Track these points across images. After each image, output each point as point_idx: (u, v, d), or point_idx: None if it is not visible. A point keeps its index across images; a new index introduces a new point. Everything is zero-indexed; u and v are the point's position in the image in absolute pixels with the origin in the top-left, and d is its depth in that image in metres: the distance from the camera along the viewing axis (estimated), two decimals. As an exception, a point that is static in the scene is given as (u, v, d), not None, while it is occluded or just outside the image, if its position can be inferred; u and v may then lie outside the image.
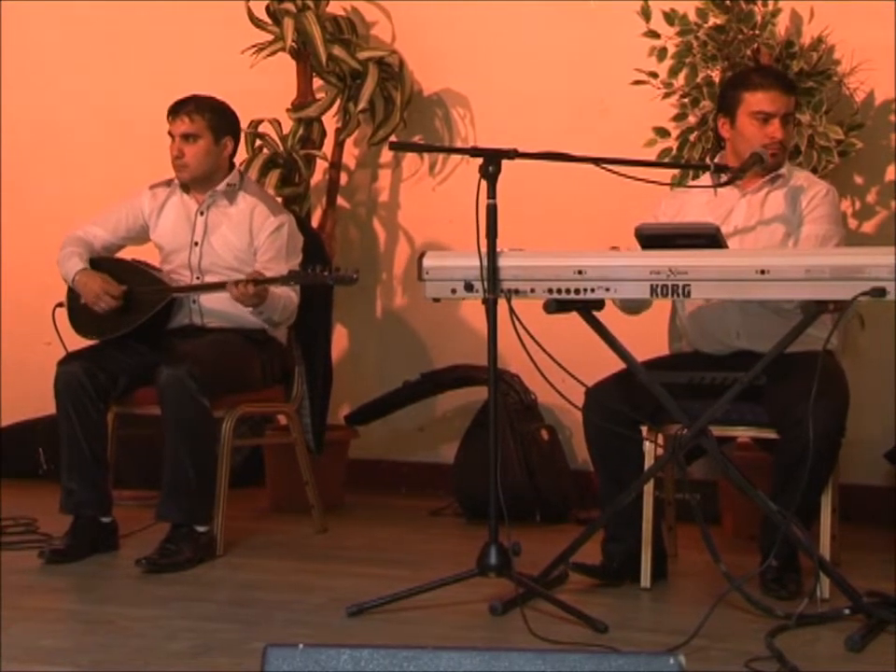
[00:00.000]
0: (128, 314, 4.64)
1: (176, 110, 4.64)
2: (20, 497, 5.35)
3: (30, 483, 5.70)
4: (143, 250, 4.89)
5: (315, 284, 4.50)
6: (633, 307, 4.17)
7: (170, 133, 4.65)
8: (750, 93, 4.09)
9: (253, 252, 4.66)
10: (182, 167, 4.65)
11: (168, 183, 4.79)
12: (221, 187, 4.69)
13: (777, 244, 4.08)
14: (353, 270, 4.39)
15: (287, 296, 4.58)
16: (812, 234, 4.06)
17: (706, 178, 4.26)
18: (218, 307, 4.67)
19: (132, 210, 4.79)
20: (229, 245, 4.68)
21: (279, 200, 5.10)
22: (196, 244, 4.70)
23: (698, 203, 4.19)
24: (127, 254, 4.87)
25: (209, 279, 4.67)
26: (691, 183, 4.57)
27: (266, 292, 4.45)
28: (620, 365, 3.95)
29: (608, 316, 3.88)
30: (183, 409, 4.34)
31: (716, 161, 4.25)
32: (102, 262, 4.73)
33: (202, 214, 4.71)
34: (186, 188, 4.74)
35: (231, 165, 4.75)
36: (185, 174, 4.66)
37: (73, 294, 4.72)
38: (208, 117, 4.63)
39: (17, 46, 6.10)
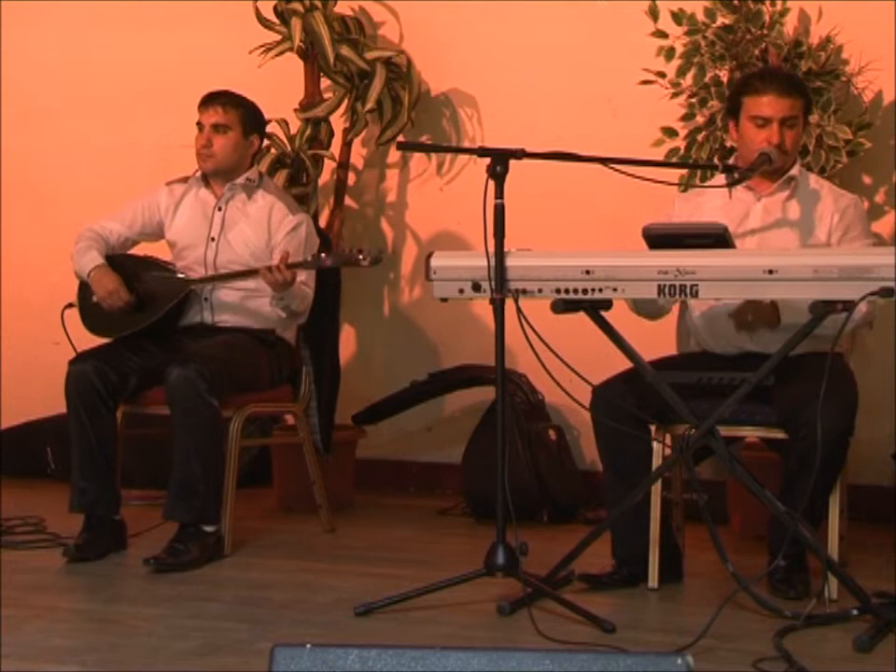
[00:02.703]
0: (142, 310, 4.64)
1: (210, 100, 4.68)
2: (27, 496, 5.36)
3: (38, 482, 5.70)
4: (155, 248, 4.90)
5: (343, 265, 4.48)
6: (651, 311, 4.16)
7: (199, 123, 4.67)
8: (750, 97, 4.10)
9: (270, 250, 4.67)
10: (208, 156, 4.66)
11: (184, 180, 4.80)
12: (241, 180, 4.71)
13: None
14: (377, 249, 4.40)
15: (304, 288, 4.60)
16: None
17: (718, 179, 4.25)
18: (230, 306, 4.68)
19: (148, 206, 4.81)
20: (246, 242, 4.69)
21: (287, 199, 5.11)
22: (213, 239, 4.71)
23: (713, 206, 4.18)
24: (139, 252, 4.88)
25: (223, 276, 4.69)
26: (702, 184, 4.56)
27: (295, 275, 4.46)
28: (628, 365, 3.94)
29: (615, 316, 3.87)
30: (192, 409, 4.34)
31: (730, 161, 4.25)
32: (116, 258, 4.74)
33: (219, 209, 4.73)
34: (205, 181, 4.75)
35: (252, 164, 4.78)
36: (209, 163, 4.68)
37: (83, 293, 4.73)
38: (241, 111, 4.68)
39: (21, 44, 6.10)
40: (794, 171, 4.16)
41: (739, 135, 4.14)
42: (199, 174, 4.77)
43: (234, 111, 4.67)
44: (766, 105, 4.07)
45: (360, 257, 4.37)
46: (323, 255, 4.50)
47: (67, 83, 6.06)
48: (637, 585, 4.04)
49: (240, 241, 4.70)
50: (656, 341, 4.26)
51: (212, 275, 4.66)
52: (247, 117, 4.70)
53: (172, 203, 4.79)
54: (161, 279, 4.67)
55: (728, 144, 4.73)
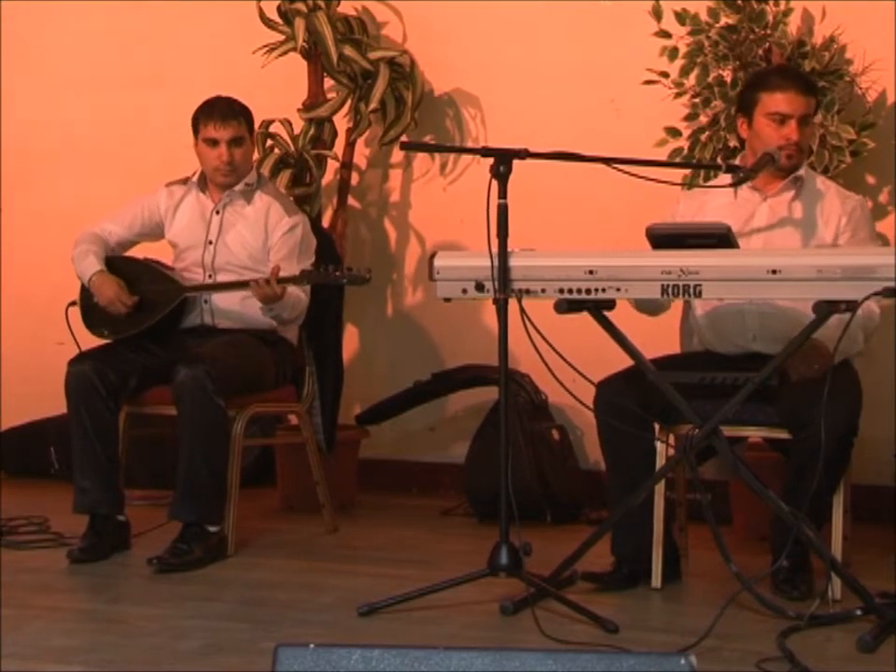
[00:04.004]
0: (141, 313, 4.65)
1: (224, 115, 4.61)
2: (31, 496, 5.36)
3: (41, 482, 5.71)
4: (156, 249, 4.90)
5: (327, 283, 4.51)
6: (651, 308, 4.16)
7: (211, 139, 4.62)
8: (768, 94, 4.07)
9: (267, 251, 4.67)
10: (232, 172, 4.64)
11: (184, 181, 4.80)
12: (240, 187, 4.70)
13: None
14: (365, 269, 4.41)
15: (297, 295, 4.59)
16: None
17: (721, 179, 4.24)
18: (230, 307, 4.68)
19: (147, 207, 4.81)
20: (244, 244, 4.69)
21: (289, 200, 5.11)
22: (210, 242, 4.71)
23: (718, 205, 4.18)
24: (140, 252, 4.88)
25: (221, 277, 4.68)
26: (706, 183, 4.56)
27: (285, 290, 4.46)
28: (631, 364, 3.94)
29: (618, 316, 3.87)
30: (200, 409, 4.34)
31: (737, 160, 4.24)
32: (115, 261, 4.74)
33: (217, 213, 4.73)
34: (203, 186, 4.75)
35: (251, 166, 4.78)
36: (232, 178, 4.67)
37: (86, 293, 4.73)
38: (245, 119, 4.67)
39: (26, 44, 6.11)
40: (801, 171, 4.15)
41: (752, 132, 4.11)
42: (196, 177, 4.76)
43: (245, 121, 4.67)
44: (785, 101, 4.05)
45: (338, 274, 4.39)
46: (307, 271, 4.50)
47: (68, 83, 6.06)
48: (638, 584, 4.04)
49: (237, 243, 4.70)
50: (659, 340, 4.26)
51: (206, 285, 4.67)
52: (250, 122, 4.71)
53: (171, 204, 4.79)
54: (159, 285, 4.67)
55: (731, 144, 4.72)
